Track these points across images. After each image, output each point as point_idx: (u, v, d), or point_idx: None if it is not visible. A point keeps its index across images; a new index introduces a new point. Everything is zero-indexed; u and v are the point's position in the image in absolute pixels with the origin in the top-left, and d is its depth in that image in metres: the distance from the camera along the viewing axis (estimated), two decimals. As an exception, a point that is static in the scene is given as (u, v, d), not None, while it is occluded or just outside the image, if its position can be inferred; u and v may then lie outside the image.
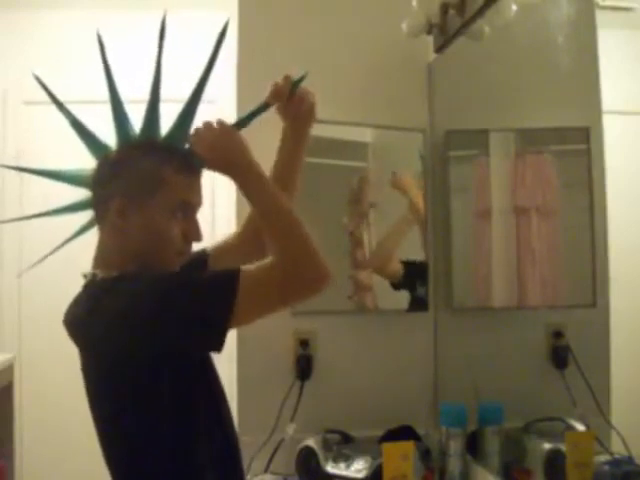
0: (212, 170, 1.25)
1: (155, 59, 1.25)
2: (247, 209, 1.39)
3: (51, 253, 1.32)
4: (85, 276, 1.24)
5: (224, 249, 1.48)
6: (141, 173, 1.21)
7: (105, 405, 1.20)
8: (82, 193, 1.31)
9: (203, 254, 1.42)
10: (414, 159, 2.13)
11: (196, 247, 1.34)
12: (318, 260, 1.14)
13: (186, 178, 1.23)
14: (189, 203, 1.24)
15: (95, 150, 1.30)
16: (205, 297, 1.13)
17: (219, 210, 2.55)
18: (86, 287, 1.23)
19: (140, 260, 1.21)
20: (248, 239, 1.45)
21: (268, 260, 1.16)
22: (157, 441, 1.17)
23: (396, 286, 2.13)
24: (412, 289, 2.13)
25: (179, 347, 1.14)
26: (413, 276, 2.14)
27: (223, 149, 1.22)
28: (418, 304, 2.11)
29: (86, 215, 1.31)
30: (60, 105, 1.30)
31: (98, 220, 1.27)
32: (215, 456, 1.23)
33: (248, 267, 1.16)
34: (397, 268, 2.13)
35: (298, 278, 1.14)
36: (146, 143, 1.27)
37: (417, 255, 2.14)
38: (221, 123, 1.23)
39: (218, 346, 1.13)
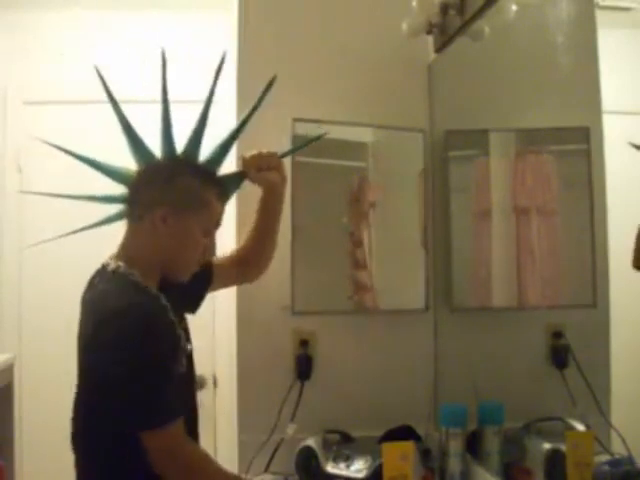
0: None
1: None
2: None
3: (74, 232, 1.38)
4: (103, 267, 1.34)
5: (226, 262, 1.66)
6: (189, 191, 1.37)
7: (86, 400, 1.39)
8: (86, 189, 1.32)
9: (209, 265, 1.56)
10: (414, 159, 2.13)
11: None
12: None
13: (222, 205, 1.43)
14: (217, 225, 1.44)
15: (140, 154, 1.39)
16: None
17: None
18: (100, 276, 1.34)
19: (164, 262, 1.37)
20: (247, 257, 1.67)
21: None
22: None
23: None
24: None
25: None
26: None
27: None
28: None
29: (93, 206, 1.38)
30: (115, 105, 1.35)
31: (132, 217, 1.37)
32: None
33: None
34: None
35: None
36: (194, 163, 1.41)
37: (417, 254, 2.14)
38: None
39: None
